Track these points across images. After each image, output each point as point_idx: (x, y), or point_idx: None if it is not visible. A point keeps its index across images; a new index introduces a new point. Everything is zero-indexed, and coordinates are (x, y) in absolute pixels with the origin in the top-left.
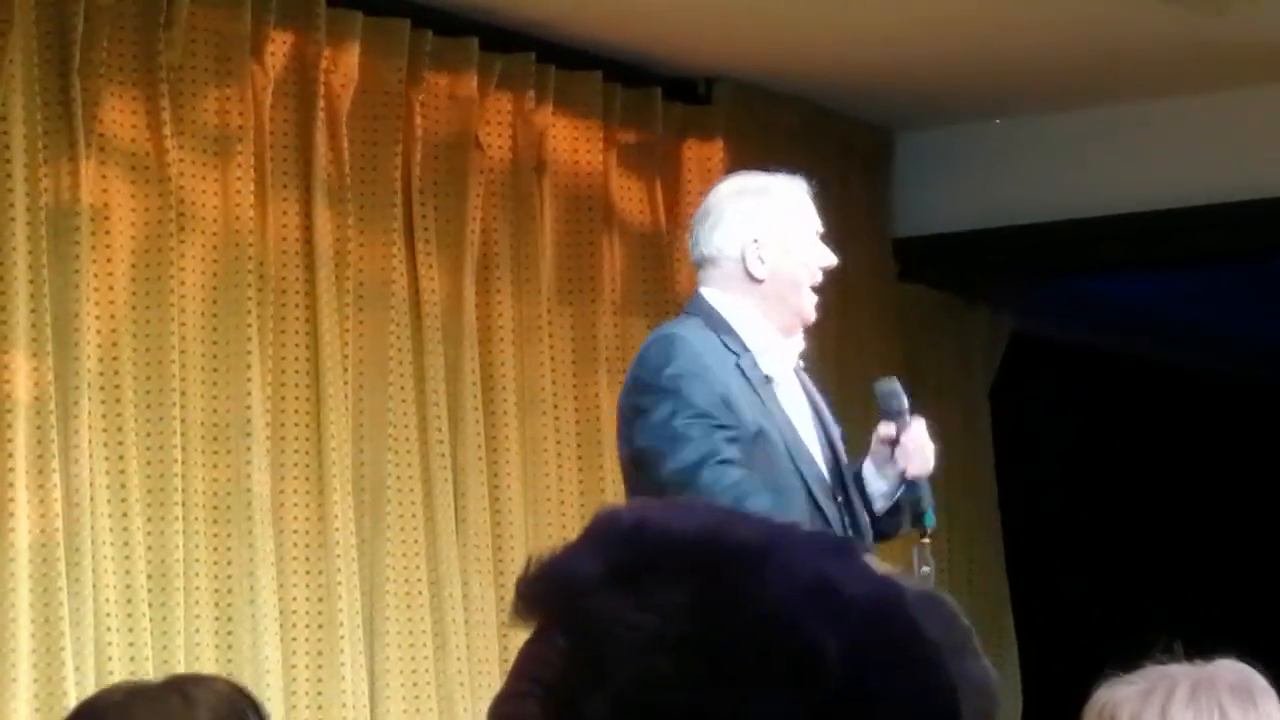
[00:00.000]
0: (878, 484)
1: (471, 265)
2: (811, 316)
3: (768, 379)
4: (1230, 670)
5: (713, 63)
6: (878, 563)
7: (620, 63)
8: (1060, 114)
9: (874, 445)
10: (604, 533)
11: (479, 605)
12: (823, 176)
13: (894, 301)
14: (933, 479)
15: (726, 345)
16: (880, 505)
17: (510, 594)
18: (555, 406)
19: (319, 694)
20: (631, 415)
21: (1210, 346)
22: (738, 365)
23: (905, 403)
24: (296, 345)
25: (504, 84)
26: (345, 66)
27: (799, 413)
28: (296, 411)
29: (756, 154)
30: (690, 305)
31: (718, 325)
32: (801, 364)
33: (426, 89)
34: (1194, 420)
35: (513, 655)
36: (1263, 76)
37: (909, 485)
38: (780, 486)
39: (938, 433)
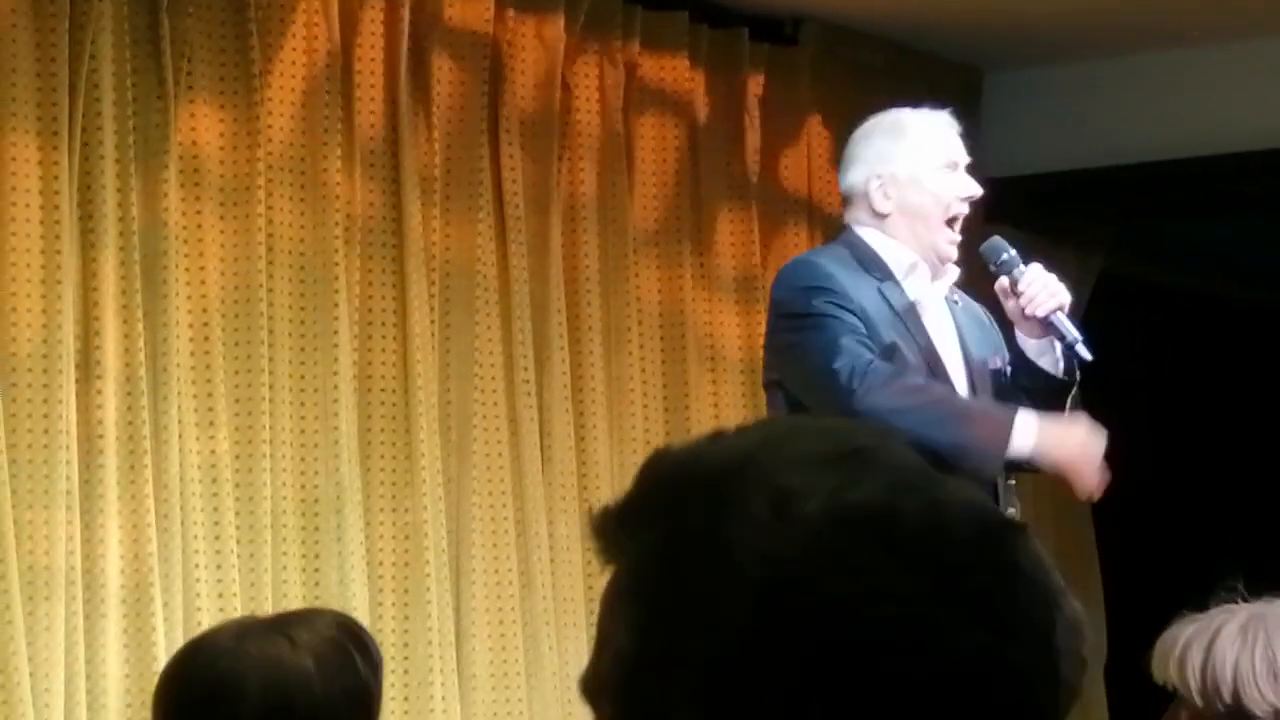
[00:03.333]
0: (1027, 343)
1: (558, 207)
2: (949, 253)
3: (912, 304)
4: None
5: (799, 2)
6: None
7: (707, 2)
8: (1151, 54)
9: (1004, 307)
10: (642, 471)
11: (565, 545)
12: None
13: (980, 241)
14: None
15: (869, 272)
16: (1046, 364)
17: None
18: (641, 346)
19: (405, 632)
20: (770, 335)
21: None
22: (879, 289)
23: (1012, 252)
24: (383, 285)
25: (590, 25)
26: (430, 6)
27: (945, 338)
28: (384, 350)
29: (844, 94)
30: (839, 236)
31: (863, 254)
32: (956, 295)
33: (513, 30)
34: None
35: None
36: None
37: (1052, 329)
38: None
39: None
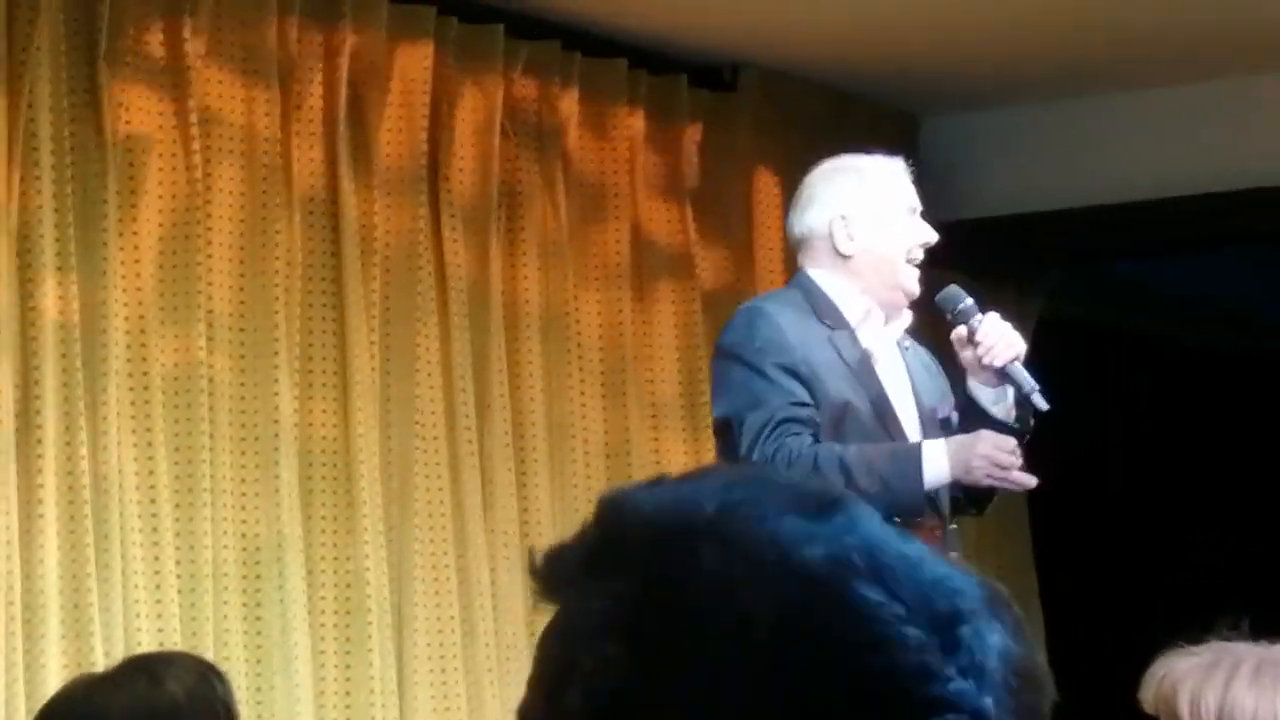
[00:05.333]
0: (983, 394)
1: (498, 252)
2: (913, 290)
3: (865, 353)
4: None
5: (738, 49)
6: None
7: (645, 49)
8: (1089, 98)
9: (960, 356)
10: (595, 516)
11: (507, 592)
12: None
13: (934, 289)
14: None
15: (822, 320)
16: (998, 411)
17: None
18: (582, 394)
19: (347, 680)
20: (713, 383)
21: (1237, 328)
22: (830, 340)
23: (969, 301)
24: (324, 331)
25: (529, 71)
26: (370, 54)
27: (897, 387)
28: (324, 397)
29: (781, 141)
30: (792, 280)
31: (817, 300)
32: (908, 340)
33: (452, 76)
34: (1219, 401)
35: None
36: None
37: (1008, 379)
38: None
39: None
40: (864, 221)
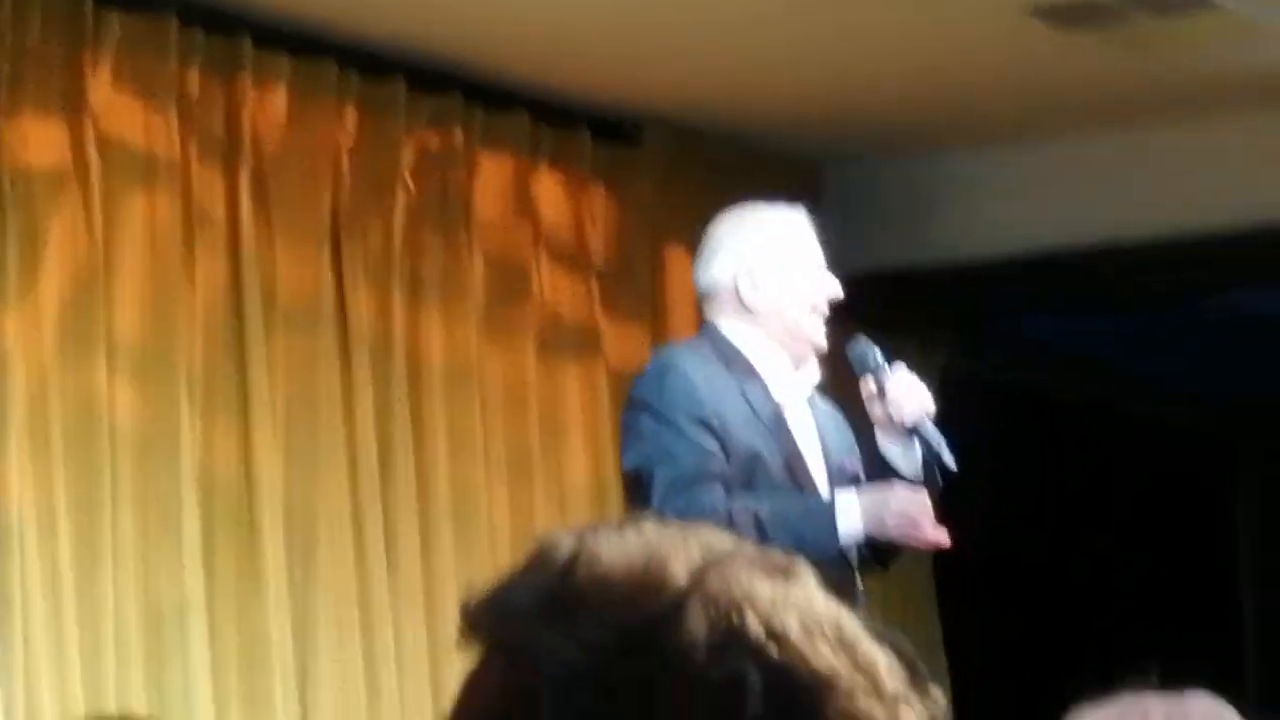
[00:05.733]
0: (891, 450)
1: (400, 307)
2: (819, 342)
3: (776, 406)
4: (1203, 702)
5: (641, 103)
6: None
7: (548, 103)
8: (989, 151)
9: (870, 410)
10: (541, 562)
11: (411, 648)
12: None
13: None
14: None
15: (732, 371)
16: (906, 469)
17: (441, 637)
18: (486, 448)
19: None
20: (624, 434)
21: (1140, 390)
22: (741, 392)
23: (879, 356)
24: (226, 390)
25: (431, 124)
26: (272, 107)
27: (807, 440)
28: (226, 455)
29: (686, 193)
30: (701, 331)
31: (726, 351)
32: (816, 394)
33: (353, 129)
34: (1121, 461)
35: (444, 698)
36: (1187, 116)
37: (916, 435)
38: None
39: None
40: (768, 274)
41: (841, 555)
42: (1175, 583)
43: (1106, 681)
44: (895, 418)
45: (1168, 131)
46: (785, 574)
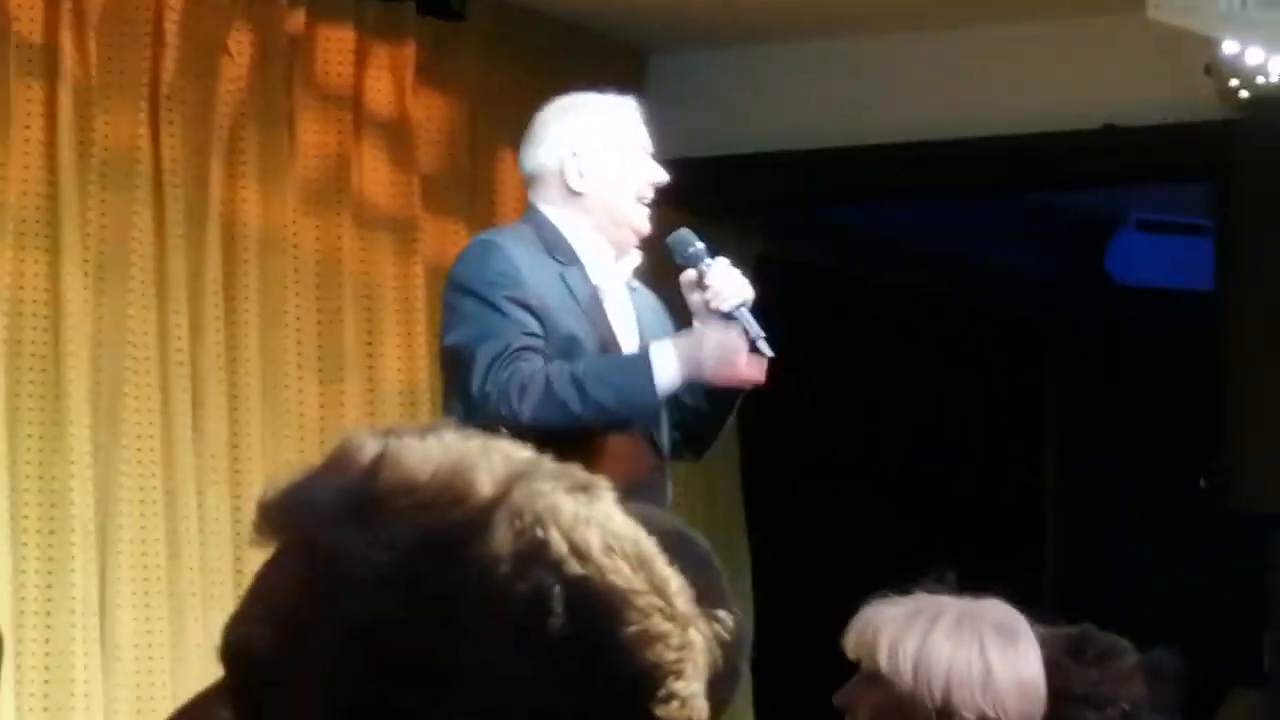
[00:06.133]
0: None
1: (219, 173)
2: (643, 228)
3: (595, 290)
4: (997, 608)
5: None
6: (636, 510)
7: None
8: (812, 42)
9: (688, 298)
10: (345, 462)
11: (214, 516)
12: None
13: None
14: None
15: (554, 256)
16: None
17: (246, 507)
18: (298, 319)
19: (49, 600)
20: (445, 314)
21: (953, 277)
22: (561, 276)
23: (699, 245)
24: (36, 249)
25: None
26: None
27: (624, 326)
28: (34, 315)
29: (509, 70)
30: (524, 215)
31: (549, 236)
32: (635, 281)
33: None
34: (929, 344)
35: (247, 568)
36: (1016, 13)
37: (735, 323)
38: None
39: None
40: (594, 159)
41: (650, 440)
42: (981, 475)
43: (906, 577)
44: (714, 305)
45: (977, 30)
46: (586, 490)
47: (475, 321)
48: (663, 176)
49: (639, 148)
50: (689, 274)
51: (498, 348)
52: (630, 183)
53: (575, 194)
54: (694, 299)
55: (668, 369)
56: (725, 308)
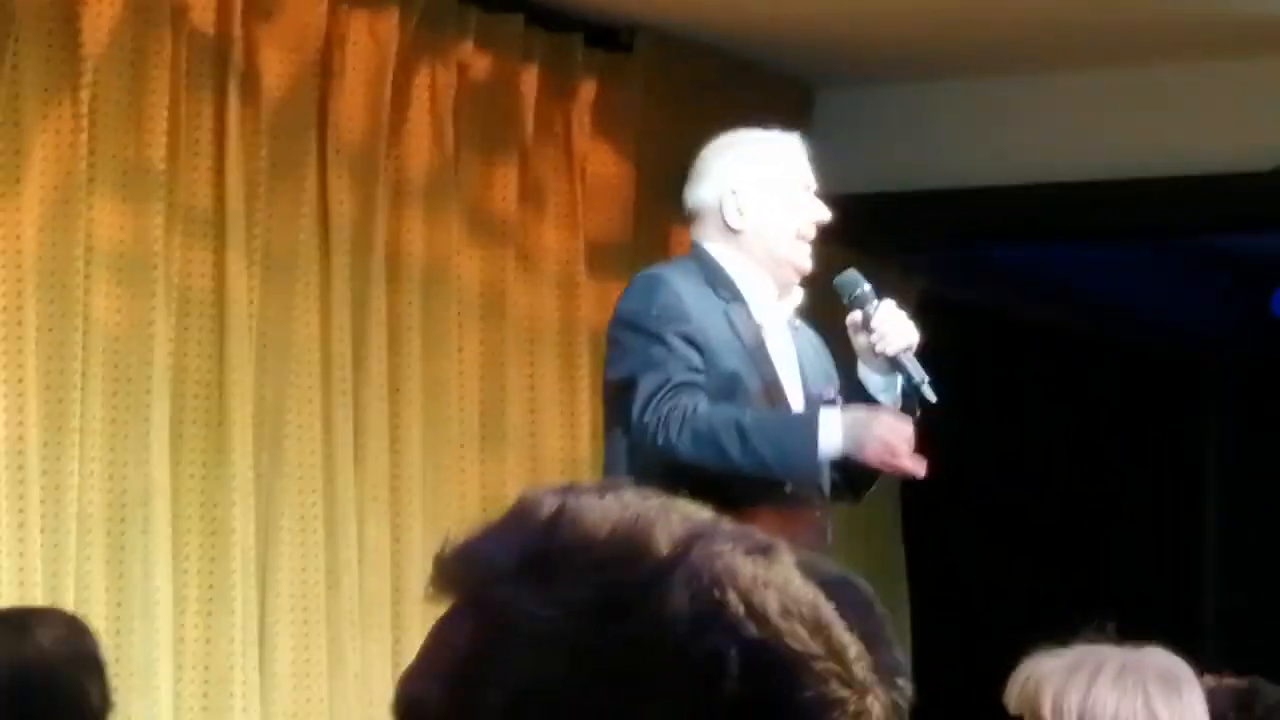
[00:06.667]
0: (872, 380)
1: (384, 203)
2: (804, 266)
3: (758, 329)
4: (1159, 657)
5: (636, 10)
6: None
7: (543, 7)
8: (979, 80)
9: (853, 340)
10: (523, 519)
11: (374, 546)
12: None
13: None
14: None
15: (717, 293)
16: (886, 400)
17: (405, 538)
18: (460, 350)
19: (209, 628)
20: (610, 348)
21: (1114, 318)
22: (725, 312)
23: (867, 286)
24: (202, 276)
25: (425, 23)
26: (264, 2)
27: (786, 364)
28: (200, 343)
29: (676, 105)
30: (689, 252)
31: (712, 272)
32: (798, 319)
33: (345, 25)
34: (1095, 388)
35: (405, 599)
36: (1180, 55)
37: (899, 367)
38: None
39: (845, 386)
40: (753, 198)
41: (815, 485)
42: (1142, 519)
43: (1066, 625)
44: (879, 349)
45: (1152, 69)
46: (765, 553)
47: (639, 354)
48: (825, 215)
49: (800, 185)
50: (855, 316)
51: (660, 379)
52: (789, 221)
53: (734, 231)
54: (859, 341)
55: (832, 439)
56: (890, 351)
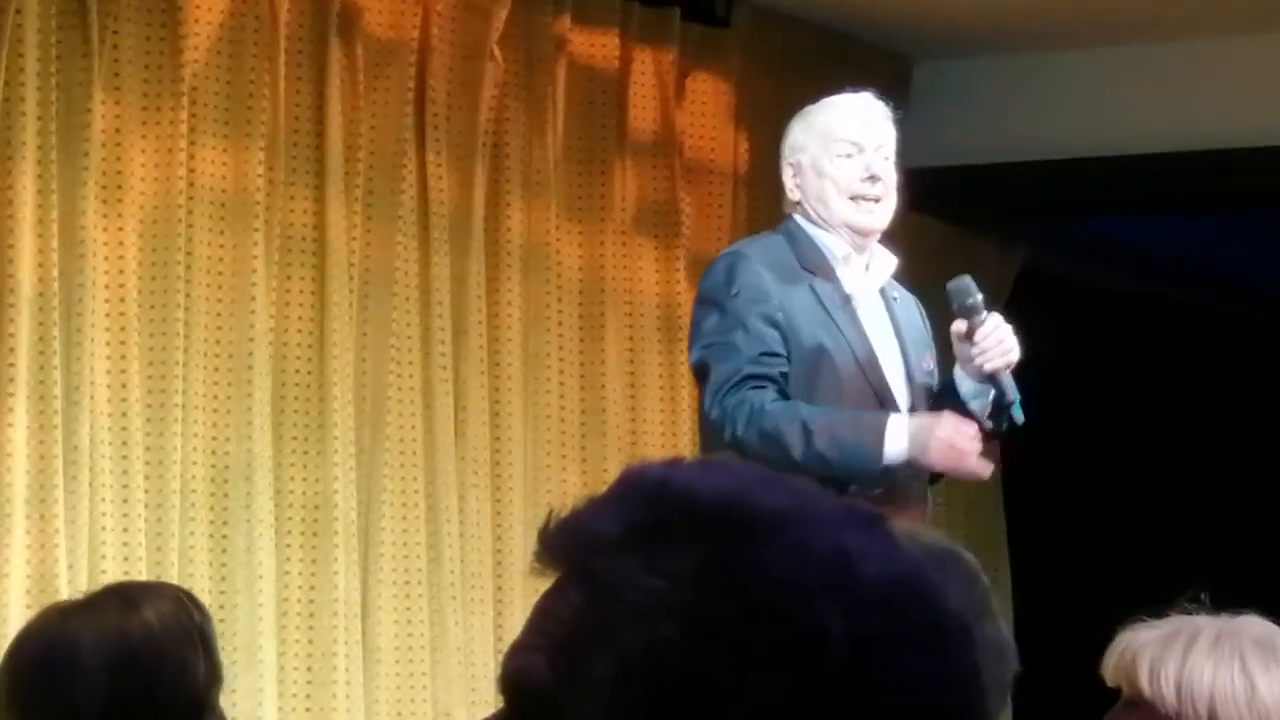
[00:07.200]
0: (965, 385)
1: (482, 179)
2: (863, 225)
3: (847, 298)
4: (1256, 624)
5: None
6: (905, 528)
7: None
8: (1077, 51)
9: (955, 346)
10: (628, 491)
11: (475, 519)
12: None
13: (903, 232)
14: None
15: (804, 266)
16: (975, 406)
17: (506, 511)
18: (559, 324)
19: (311, 602)
20: (692, 328)
21: (1216, 289)
22: (810, 286)
23: (978, 298)
24: (303, 253)
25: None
26: None
27: (880, 333)
28: (300, 318)
29: (772, 78)
30: (781, 225)
31: (800, 245)
32: (897, 288)
33: (446, 2)
34: (1197, 361)
35: (506, 573)
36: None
37: (994, 383)
38: (847, 403)
39: (943, 360)
40: (804, 165)
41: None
42: (1246, 487)
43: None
44: (978, 362)
45: (1256, 37)
46: (869, 524)
47: (715, 337)
48: (877, 170)
49: (851, 145)
50: (960, 325)
51: (730, 370)
52: (837, 182)
53: (795, 204)
54: (961, 349)
55: (898, 444)
56: (989, 368)
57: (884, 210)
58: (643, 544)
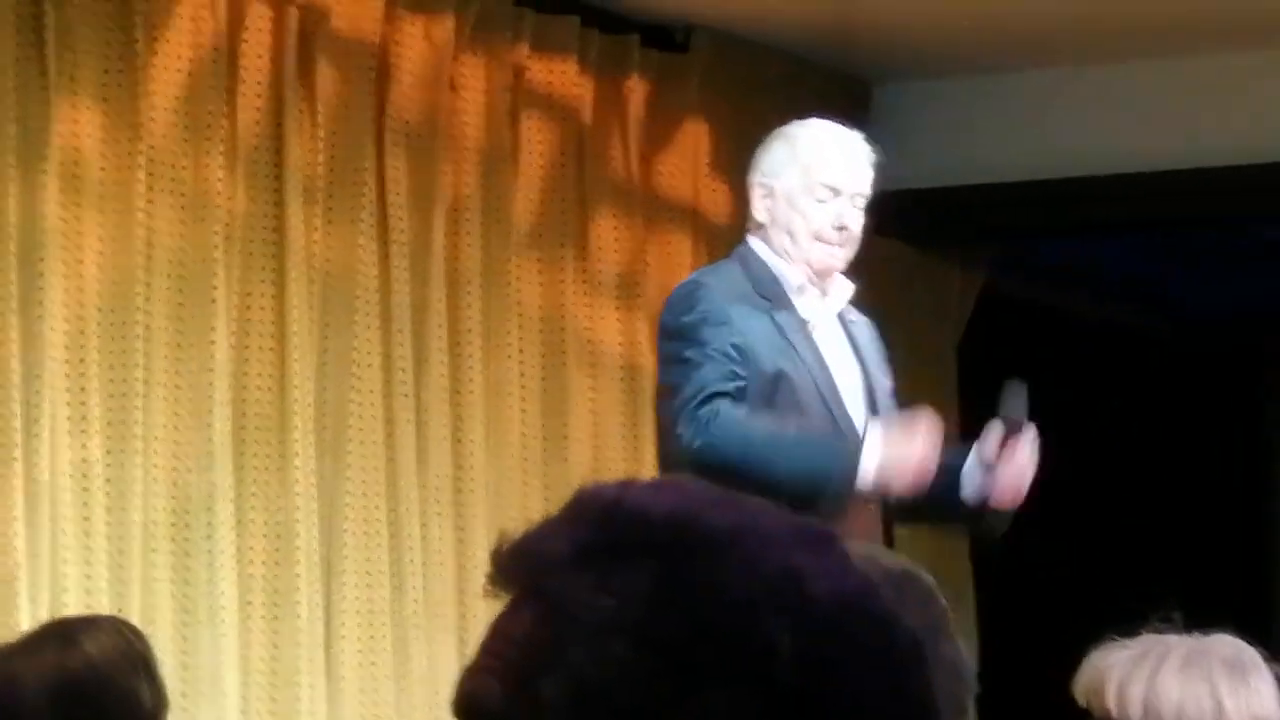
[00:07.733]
0: (969, 488)
1: (442, 208)
2: (825, 266)
3: (804, 325)
4: (1225, 644)
5: (691, 10)
6: (862, 549)
7: (598, 8)
8: (1038, 72)
9: (981, 448)
10: (580, 511)
11: (437, 547)
12: None
13: (865, 254)
14: None
15: (759, 292)
16: (967, 490)
17: (470, 539)
18: (521, 350)
19: (274, 632)
20: (658, 355)
21: (1176, 311)
22: (769, 312)
23: (1024, 414)
24: (262, 282)
25: (481, 26)
26: (320, 5)
27: (838, 358)
28: (260, 348)
29: (732, 104)
30: (737, 249)
31: (755, 270)
32: (855, 313)
33: (401, 30)
34: (1157, 384)
35: (470, 600)
36: (1237, 44)
37: (990, 498)
38: (804, 427)
39: (906, 383)
40: (778, 193)
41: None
42: (1205, 511)
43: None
44: (994, 473)
45: (1210, 58)
46: (821, 542)
47: (679, 363)
48: (845, 221)
49: (827, 186)
50: (998, 430)
51: (696, 389)
52: (806, 222)
53: (760, 225)
54: (985, 450)
55: (870, 458)
56: (995, 502)
57: (846, 254)
58: (594, 563)
